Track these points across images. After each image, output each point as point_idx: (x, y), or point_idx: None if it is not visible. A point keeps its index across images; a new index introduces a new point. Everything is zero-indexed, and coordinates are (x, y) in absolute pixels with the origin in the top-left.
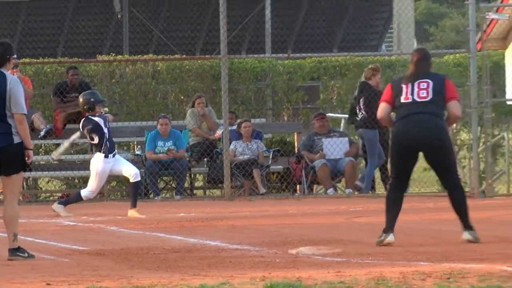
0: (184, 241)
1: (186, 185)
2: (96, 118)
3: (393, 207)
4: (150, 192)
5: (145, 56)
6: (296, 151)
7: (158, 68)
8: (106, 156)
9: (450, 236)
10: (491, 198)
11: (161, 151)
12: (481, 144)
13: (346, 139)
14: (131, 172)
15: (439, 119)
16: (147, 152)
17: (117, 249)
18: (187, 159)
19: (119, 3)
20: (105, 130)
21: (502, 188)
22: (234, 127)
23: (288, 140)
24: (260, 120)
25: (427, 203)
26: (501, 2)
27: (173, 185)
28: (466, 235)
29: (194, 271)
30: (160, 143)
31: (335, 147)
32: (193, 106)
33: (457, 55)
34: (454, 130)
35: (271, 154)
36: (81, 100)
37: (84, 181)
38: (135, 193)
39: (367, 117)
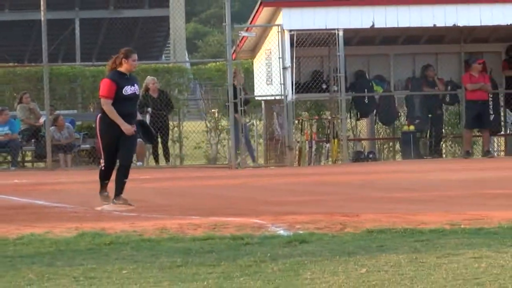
0: (18, 201)
1: (19, 159)
2: None
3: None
4: None
5: None
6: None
7: None
8: None
9: (214, 197)
10: (243, 169)
11: (0, 134)
12: None
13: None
14: None
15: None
16: None
17: None
18: (20, 140)
19: None
20: None
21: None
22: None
23: (93, 126)
24: (72, 111)
25: (196, 173)
26: (250, 24)
27: (9, 159)
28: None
29: (26, 223)
30: None
31: None
32: (20, 101)
33: (218, 63)
34: (216, 117)
35: (81, 136)
36: None
37: None
38: None
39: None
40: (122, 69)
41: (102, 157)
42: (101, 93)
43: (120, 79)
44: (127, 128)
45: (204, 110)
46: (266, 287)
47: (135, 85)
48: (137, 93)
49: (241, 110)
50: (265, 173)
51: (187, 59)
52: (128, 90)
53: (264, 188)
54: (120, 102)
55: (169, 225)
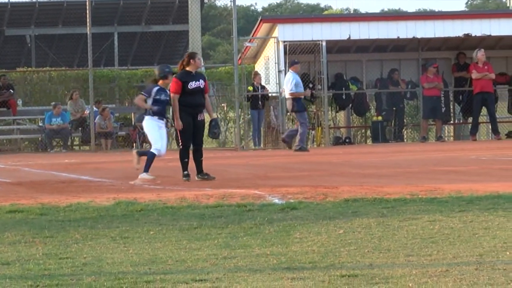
0: (68, 177)
1: (68, 143)
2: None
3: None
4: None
5: None
6: (133, 123)
7: None
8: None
9: (223, 173)
10: (247, 151)
11: (54, 124)
12: (241, 119)
13: None
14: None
15: None
16: None
17: (28, 181)
18: (69, 128)
19: None
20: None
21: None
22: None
23: (128, 117)
24: (111, 105)
25: (209, 154)
26: (252, 36)
27: (61, 143)
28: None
29: (74, 194)
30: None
31: None
32: (71, 98)
33: (227, 67)
34: (225, 110)
35: (118, 125)
36: (156, 70)
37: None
38: None
39: None
40: (190, 68)
41: (180, 139)
42: (170, 89)
43: (186, 76)
44: (179, 124)
45: (216, 104)
46: (264, 245)
47: (200, 80)
48: (201, 86)
49: (260, 103)
50: (263, 154)
51: (202, 64)
52: (193, 84)
53: (262, 166)
54: (187, 95)
55: (188, 196)
